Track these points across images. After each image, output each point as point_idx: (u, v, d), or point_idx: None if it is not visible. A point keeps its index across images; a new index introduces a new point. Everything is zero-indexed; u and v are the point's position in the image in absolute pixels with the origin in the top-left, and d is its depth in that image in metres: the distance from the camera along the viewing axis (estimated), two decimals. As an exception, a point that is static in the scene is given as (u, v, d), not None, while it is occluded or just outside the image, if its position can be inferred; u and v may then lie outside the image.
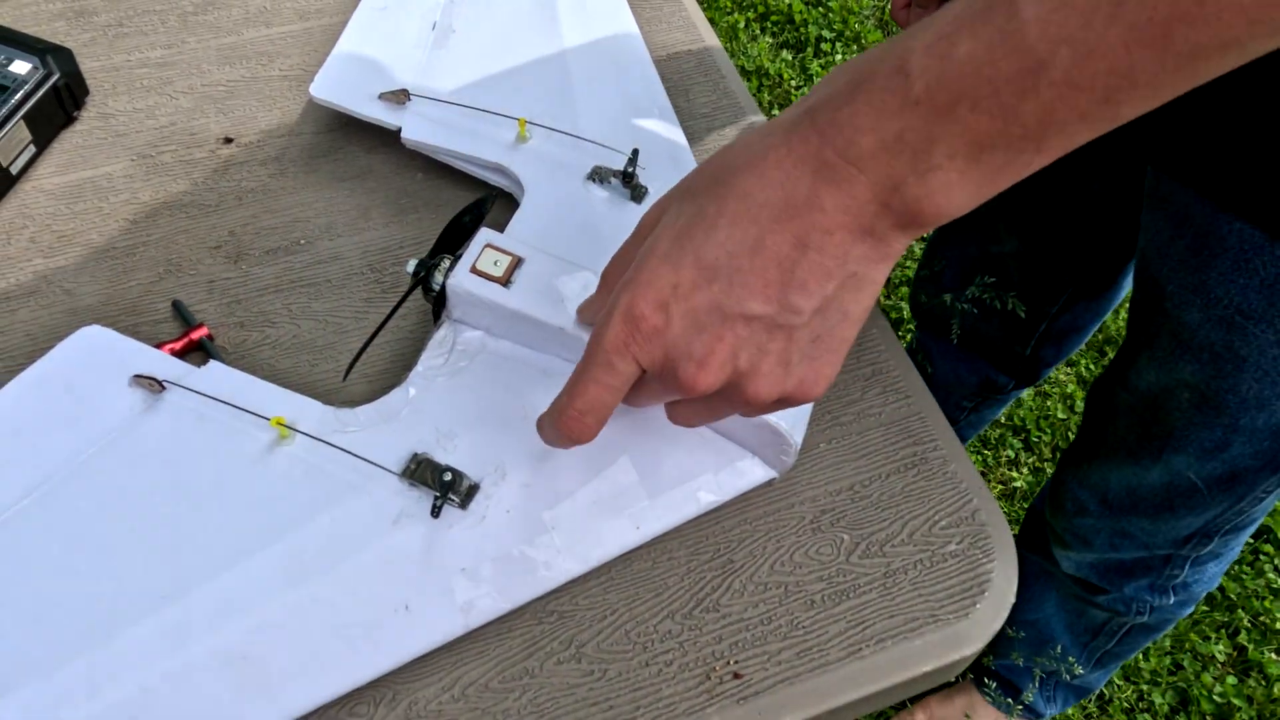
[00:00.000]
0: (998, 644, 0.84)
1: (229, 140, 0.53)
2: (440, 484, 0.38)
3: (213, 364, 0.42)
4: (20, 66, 0.50)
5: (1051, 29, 0.24)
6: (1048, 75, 0.24)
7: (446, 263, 0.42)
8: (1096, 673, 0.82)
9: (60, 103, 0.51)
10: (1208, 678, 1.05)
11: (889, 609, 0.40)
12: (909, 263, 1.37)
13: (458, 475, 0.39)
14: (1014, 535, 0.45)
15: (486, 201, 0.44)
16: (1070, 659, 0.79)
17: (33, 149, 0.51)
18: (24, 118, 0.49)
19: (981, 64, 0.25)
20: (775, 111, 1.47)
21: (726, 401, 0.32)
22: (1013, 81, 0.25)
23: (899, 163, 0.27)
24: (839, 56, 1.58)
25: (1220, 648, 1.06)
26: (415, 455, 0.39)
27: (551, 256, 0.42)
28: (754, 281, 0.29)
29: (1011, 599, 0.41)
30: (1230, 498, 0.56)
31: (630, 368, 0.31)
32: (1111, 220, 0.61)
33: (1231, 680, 1.04)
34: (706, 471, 0.41)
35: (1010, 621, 0.48)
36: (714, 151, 0.32)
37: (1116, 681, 1.05)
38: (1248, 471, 0.54)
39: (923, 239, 1.31)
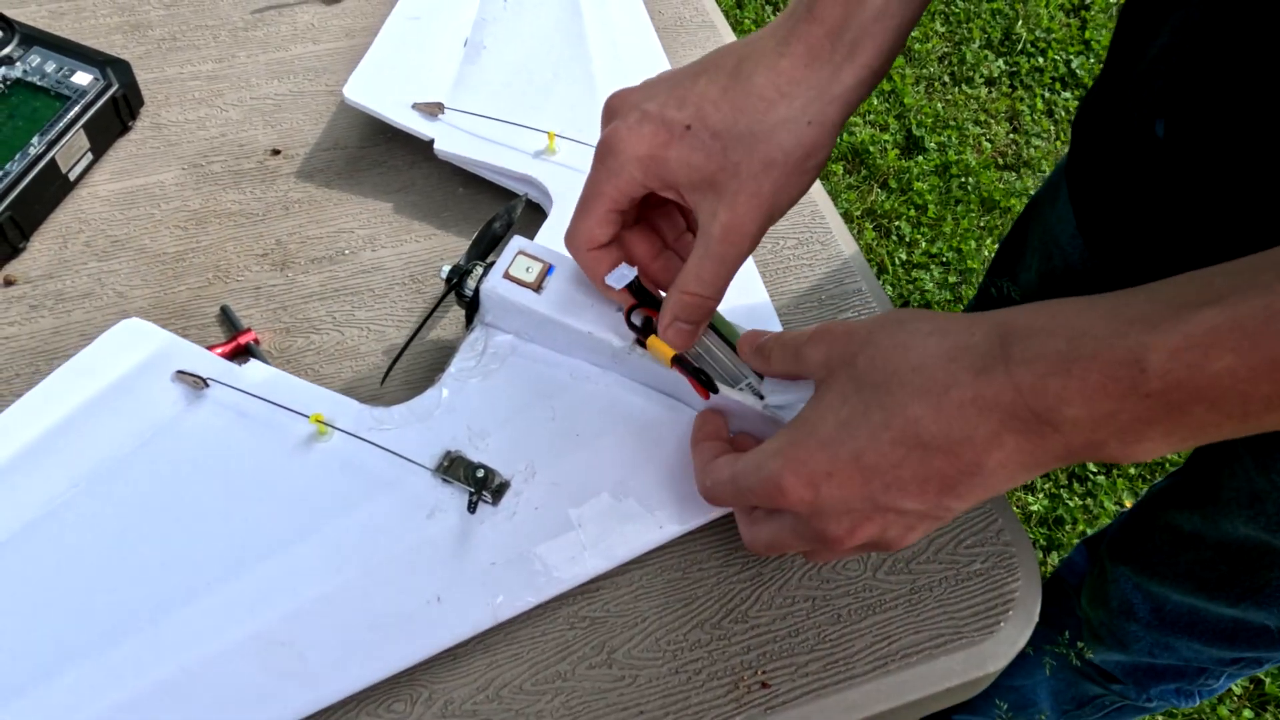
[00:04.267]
0: (974, 703, 0.80)
1: (277, 152, 0.55)
2: (474, 480, 0.40)
3: (253, 363, 0.43)
4: (81, 78, 0.52)
5: None
6: None
7: (479, 269, 0.43)
8: None
9: (117, 112, 0.53)
10: (1224, 710, 1.04)
11: (914, 625, 0.41)
12: (933, 263, 1.38)
13: (490, 472, 0.40)
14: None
15: (516, 207, 0.45)
16: None
17: (90, 156, 0.53)
18: (84, 126, 0.51)
19: (1238, 381, 0.24)
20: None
21: (861, 550, 0.34)
22: (1268, 399, 0.24)
23: (1104, 432, 0.27)
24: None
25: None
26: (448, 453, 0.41)
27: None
28: (912, 490, 0.30)
29: (1035, 618, 0.42)
30: None
31: (760, 509, 0.34)
32: None
33: (1248, 714, 1.03)
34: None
35: (994, 685, 0.48)
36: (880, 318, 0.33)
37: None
38: None
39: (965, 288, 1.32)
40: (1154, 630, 0.59)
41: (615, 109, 0.37)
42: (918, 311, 0.32)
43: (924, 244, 1.42)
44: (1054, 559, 1.15)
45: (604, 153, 0.36)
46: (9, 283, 0.49)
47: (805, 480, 0.31)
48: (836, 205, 1.44)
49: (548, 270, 0.43)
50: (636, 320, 0.40)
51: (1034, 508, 1.19)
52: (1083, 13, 1.74)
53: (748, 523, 0.36)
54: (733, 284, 0.39)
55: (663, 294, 0.41)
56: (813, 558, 0.37)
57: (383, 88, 0.54)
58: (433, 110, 0.53)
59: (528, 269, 0.43)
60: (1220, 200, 0.38)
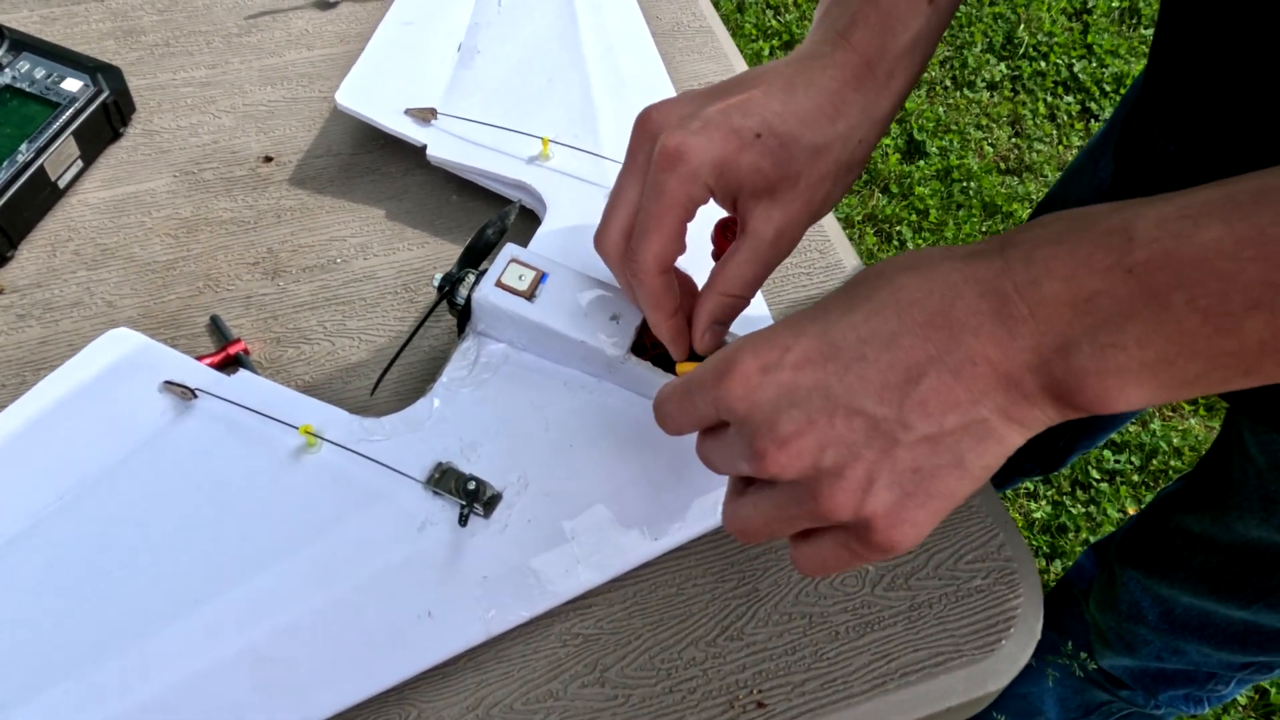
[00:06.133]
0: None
1: (269, 159, 0.54)
2: (465, 493, 0.39)
3: (242, 373, 0.43)
4: (72, 84, 0.52)
5: None
6: None
7: (472, 277, 0.42)
8: None
9: (108, 119, 0.53)
10: (1231, 720, 1.03)
11: (914, 643, 0.40)
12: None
13: (481, 484, 0.39)
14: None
15: (509, 214, 0.45)
16: None
17: (80, 164, 0.52)
18: (73, 133, 0.51)
19: (1223, 257, 0.22)
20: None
21: (794, 501, 0.28)
22: (1250, 289, 0.22)
23: (1079, 323, 0.24)
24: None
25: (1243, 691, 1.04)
26: (439, 464, 0.40)
27: (574, 271, 0.42)
28: (873, 376, 0.26)
29: (1038, 635, 0.41)
30: None
31: (707, 410, 0.30)
32: None
33: (1256, 724, 1.02)
34: (725, 485, 0.41)
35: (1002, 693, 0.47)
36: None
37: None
38: None
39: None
40: (1163, 634, 0.58)
41: (662, 121, 0.35)
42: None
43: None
44: (1057, 567, 1.14)
45: (671, 161, 0.34)
46: (-3, 292, 0.48)
47: (759, 361, 0.28)
48: (837, 210, 1.44)
49: (541, 278, 0.42)
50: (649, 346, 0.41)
51: (1036, 515, 1.18)
52: (1085, 17, 1.74)
53: (700, 440, 0.32)
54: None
55: None
56: (736, 515, 0.31)
57: (375, 93, 0.53)
58: (425, 116, 0.53)
59: (520, 277, 0.42)
60: None
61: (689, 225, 0.36)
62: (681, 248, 0.36)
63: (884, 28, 0.35)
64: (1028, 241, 0.26)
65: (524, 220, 0.51)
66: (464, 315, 0.43)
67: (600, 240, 0.38)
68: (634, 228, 0.36)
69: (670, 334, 0.38)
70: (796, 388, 0.27)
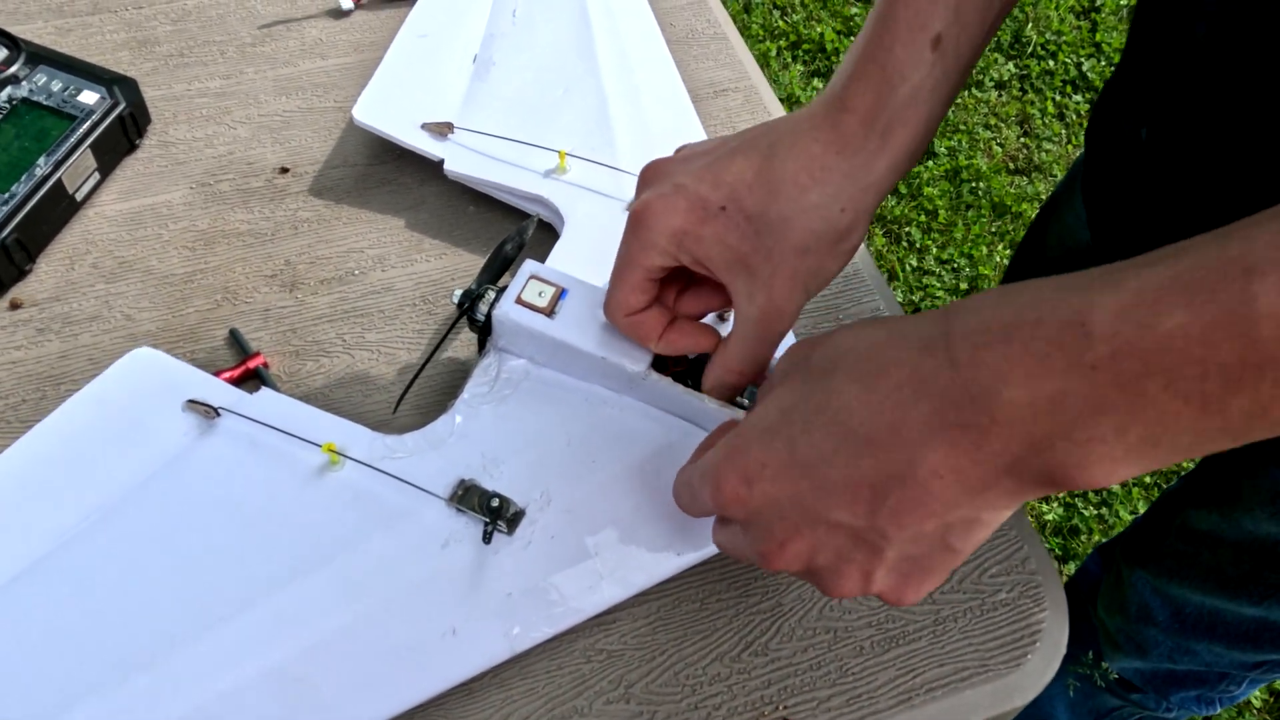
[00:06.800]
0: None
1: (285, 170, 0.54)
2: (488, 509, 0.39)
3: (264, 391, 0.43)
4: (88, 96, 0.52)
5: None
6: (1274, 373, 0.20)
7: (492, 293, 0.42)
8: None
9: (125, 131, 0.53)
10: (1245, 723, 1.02)
11: (939, 657, 0.40)
12: (941, 273, 1.36)
13: (505, 501, 0.39)
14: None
15: (527, 228, 0.45)
16: None
17: (97, 176, 0.52)
18: (91, 146, 0.51)
19: (1193, 344, 0.21)
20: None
21: (806, 579, 0.31)
22: (1228, 371, 0.21)
23: (1049, 424, 0.23)
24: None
25: (1257, 691, 1.04)
26: (462, 481, 0.40)
27: (593, 287, 0.42)
28: (843, 494, 0.27)
29: (1063, 650, 0.41)
30: None
31: (713, 510, 0.32)
32: None
33: (1270, 727, 1.02)
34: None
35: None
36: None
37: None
38: None
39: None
40: (1174, 634, 0.58)
41: (649, 179, 0.37)
42: (889, 316, 0.31)
43: (935, 250, 1.41)
44: (1069, 569, 1.14)
45: (636, 224, 0.35)
46: (15, 306, 0.48)
47: (741, 474, 0.29)
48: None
49: (561, 294, 0.42)
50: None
51: (1048, 517, 1.17)
52: (1093, 15, 1.73)
53: (716, 520, 0.35)
54: None
55: None
56: (768, 569, 0.33)
57: (392, 108, 0.53)
58: (442, 130, 0.52)
59: (540, 293, 0.42)
60: (1198, 195, 0.38)
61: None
62: (647, 300, 0.38)
63: (881, 80, 0.33)
64: (973, 334, 0.24)
65: (542, 233, 0.51)
66: (484, 332, 0.43)
67: (606, 307, 0.40)
68: None
69: (663, 351, 0.40)
70: (779, 499, 0.28)
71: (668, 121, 0.55)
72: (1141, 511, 1.20)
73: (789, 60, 1.64)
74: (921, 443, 0.25)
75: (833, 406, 0.27)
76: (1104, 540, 1.16)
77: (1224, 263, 0.21)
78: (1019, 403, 0.23)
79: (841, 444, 0.27)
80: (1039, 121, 1.58)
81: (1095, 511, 1.18)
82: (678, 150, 0.38)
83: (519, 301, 0.42)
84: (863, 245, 0.54)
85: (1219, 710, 0.64)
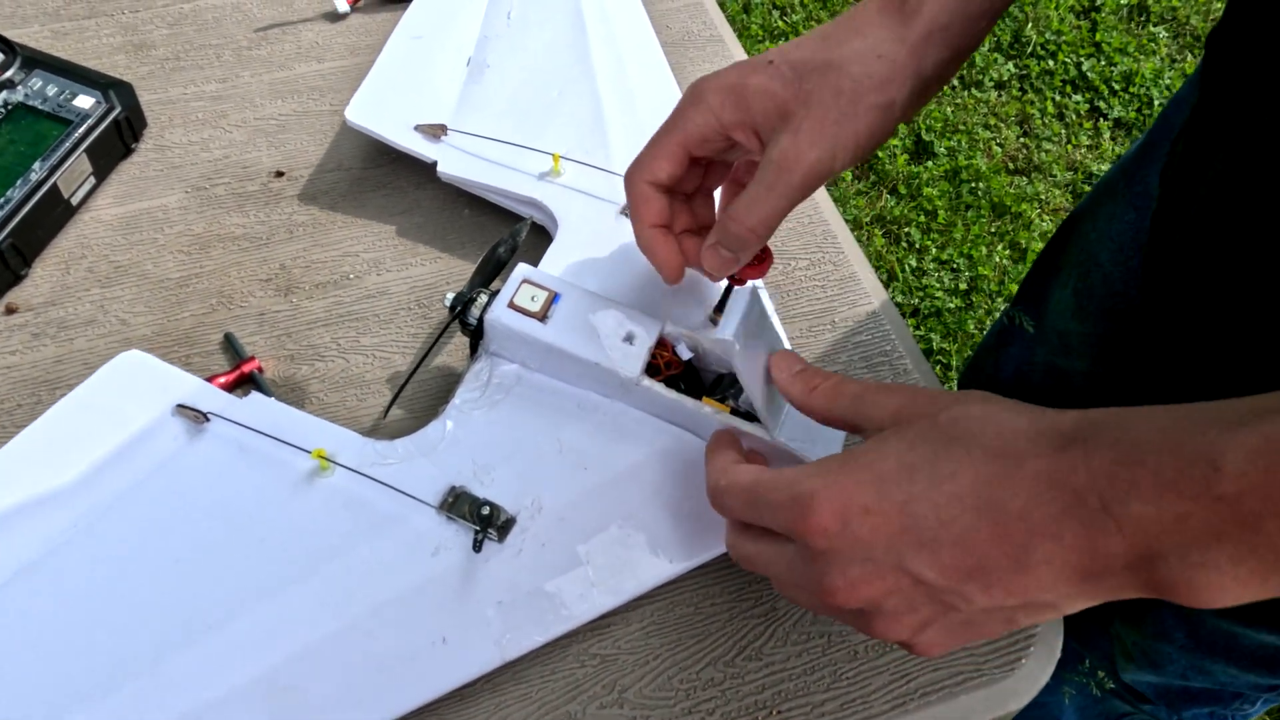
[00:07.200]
0: None
1: (280, 174, 0.54)
2: (478, 518, 0.39)
3: (254, 395, 0.43)
4: (84, 101, 0.52)
5: None
6: None
7: (484, 298, 0.42)
8: None
9: (120, 135, 0.53)
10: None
11: (933, 662, 0.40)
12: (940, 276, 1.36)
13: (495, 509, 0.39)
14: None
15: (521, 231, 0.44)
16: None
17: (93, 180, 0.52)
18: (86, 150, 0.51)
19: None
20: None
21: (843, 617, 0.31)
22: None
23: (1168, 539, 0.25)
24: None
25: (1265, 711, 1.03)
26: (453, 488, 0.40)
27: (586, 292, 0.42)
28: (945, 558, 0.28)
29: (1058, 654, 0.41)
30: None
31: (774, 525, 0.32)
32: None
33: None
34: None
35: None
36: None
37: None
38: None
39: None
40: (1189, 653, 0.58)
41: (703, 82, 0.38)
42: (1009, 400, 0.31)
43: (934, 250, 1.41)
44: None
45: (687, 95, 0.37)
46: (10, 311, 0.48)
47: (838, 509, 0.29)
48: (845, 212, 1.44)
49: (553, 299, 0.42)
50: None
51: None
52: (1093, 14, 1.73)
53: (739, 530, 0.35)
54: None
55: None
56: (791, 597, 0.34)
57: (385, 109, 0.53)
58: (435, 132, 0.52)
59: (533, 298, 0.42)
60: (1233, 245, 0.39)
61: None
62: (673, 174, 0.38)
63: None
64: (1111, 452, 0.26)
65: (535, 236, 0.51)
66: (476, 336, 0.43)
67: (626, 178, 0.40)
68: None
69: (647, 243, 0.39)
70: (873, 546, 0.29)
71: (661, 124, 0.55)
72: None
73: (788, 60, 1.63)
74: (1044, 532, 0.27)
75: (965, 478, 0.28)
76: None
77: None
78: (1145, 516, 0.25)
79: (965, 512, 0.28)
80: (1038, 121, 1.57)
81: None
82: None
83: (511, 305, 0.42)
84: (859, 247, 0.54)
85: None
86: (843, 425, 0.35)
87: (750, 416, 0.40)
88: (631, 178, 0.39)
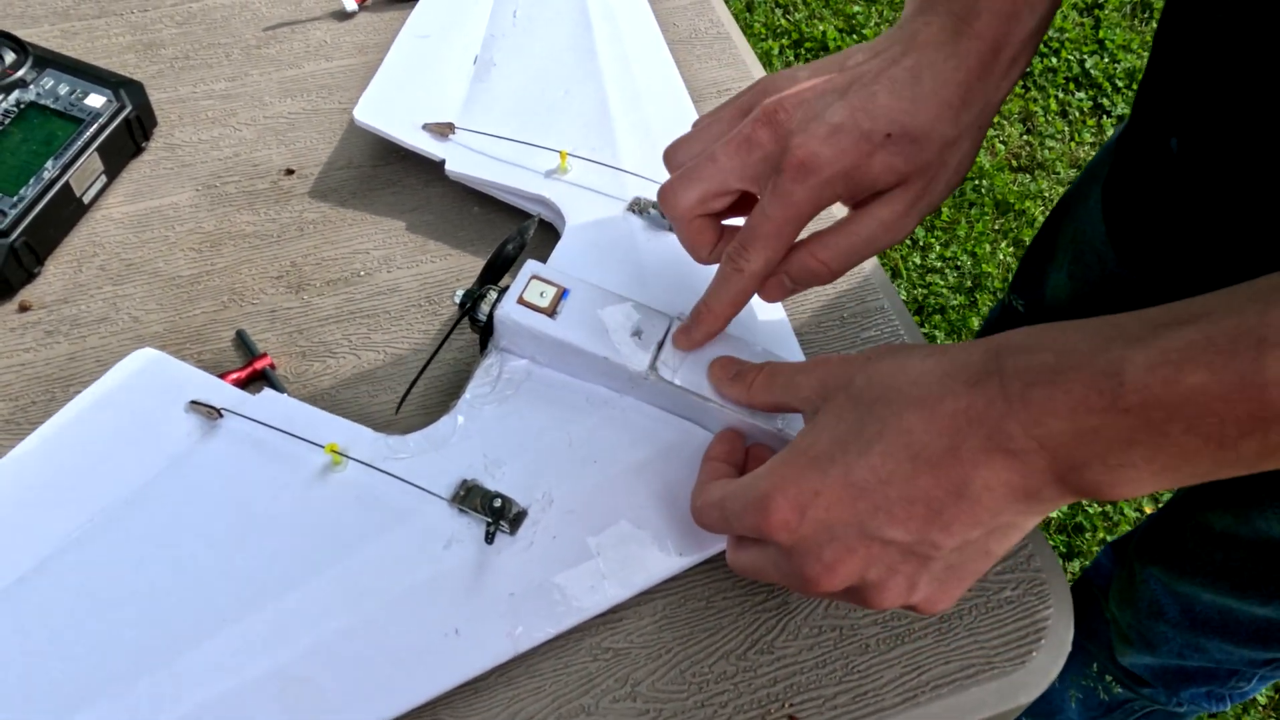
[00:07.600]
0: None
1: (290, 172, 0.55)
2: (490, 510, 0.39)
3: (266, 391, 0.43)
4: (95, 100, 0.52)
5: None
6: None
7: (493, 294, 0.43)
8: None
9: (131, 134, 0.53)
10: (1251, 720, 1.02)
11: (944, 655, 0.40)
12: (949, 294, 1.36)
13: (507, 502, 0.39)
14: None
15: (529, 228, 0.45)
16: None
17: (104, 179, 0.52)
18: (98, 149, 0.51)
19: (1212, 399, 0.25)
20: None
21: (844, 599, 0.33)
22: (1241, 423, 0.25)
23: (1086, 450, 0.27)
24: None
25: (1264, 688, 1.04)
26: (464, 481, 0.40)
27: (594, 287, 0.42)
28: (898, 513, 0.30)
29: (1068, 647, 0.41)
30: None
31: (748, 533, 0.33)
32: None
33: (1276, 724, 1.02)
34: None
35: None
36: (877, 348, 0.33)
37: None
38: None
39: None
40: (1184, 631, 0.59)
41: (788, 120, 0.35)
42: (917, 344, 0.32)
43: (938, 248, 1.41)
44: (1074, 566, 1.14)
45: (803, 172, 0.35)
46: (24, 308, 0.48)
47: (792, 501, 0.31)
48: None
49: (563, 294, 0.42)
50: None
51: (1053, 515, 1.17)
52: (1096, 11, 1.73)
53: (733, 544, 0.36)
54: (749, 302, 0.40)
55: None
56: (799, 592, 0.36)
57: (393, 108, 0.53)
58: (443, 131, 0.53)
59: (542, 294, 0.42)
60: (1229, 209, 0.39)
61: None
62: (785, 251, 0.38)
63: (1010, 15, 0.35)
64: (1023, 374, 0.28)
65: (544, 233, 0.51)
66: (486, 332, 0.43)
67: (671, 195, 0.38)
68: (738, 227, 0.37)
69: (688, 234, 0.39)
70: (833, 523, 0.31)
71: (668, 121, 0.55)
72: (1146, 510, 1.19)
73: (791, 59, 1.64)
74: (975, 462, 0.28)
75: (890, 433, 0.30)
76: (1109, 537, 1.16)
77: (1241, 332, 0.24)
78: (1061, 433, 0.27)
79: (900, 465, 0.29)
80: (1042, 119, 1.57)
81: (1100, 509, 1.18)
82: (775, 80, 0.38)
83: (521, 301, 0.42)
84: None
85: (1229, 707, 0.64)
86: (785, 410, 0.37)
87: None
88: (750, 269, 0.37)
